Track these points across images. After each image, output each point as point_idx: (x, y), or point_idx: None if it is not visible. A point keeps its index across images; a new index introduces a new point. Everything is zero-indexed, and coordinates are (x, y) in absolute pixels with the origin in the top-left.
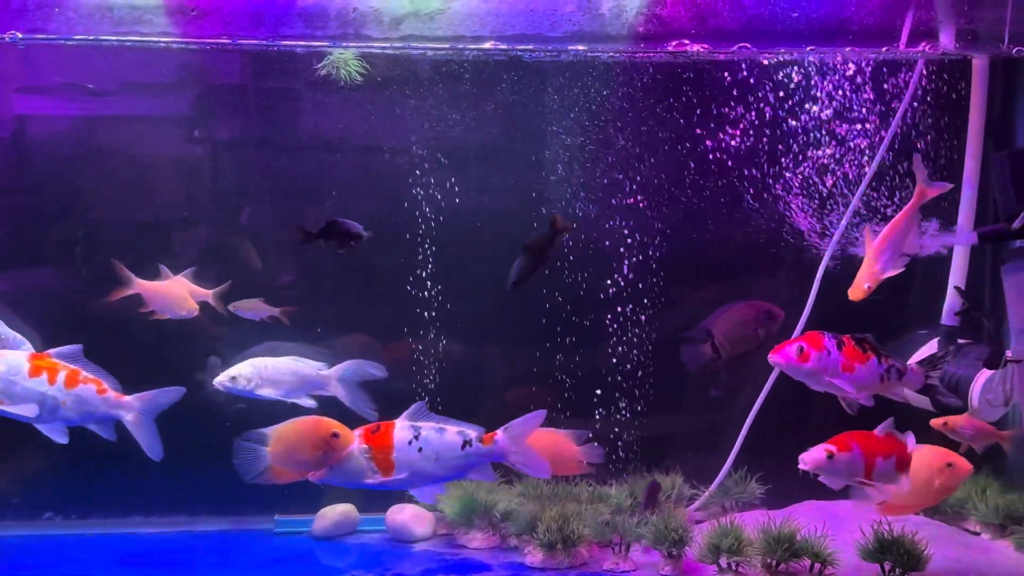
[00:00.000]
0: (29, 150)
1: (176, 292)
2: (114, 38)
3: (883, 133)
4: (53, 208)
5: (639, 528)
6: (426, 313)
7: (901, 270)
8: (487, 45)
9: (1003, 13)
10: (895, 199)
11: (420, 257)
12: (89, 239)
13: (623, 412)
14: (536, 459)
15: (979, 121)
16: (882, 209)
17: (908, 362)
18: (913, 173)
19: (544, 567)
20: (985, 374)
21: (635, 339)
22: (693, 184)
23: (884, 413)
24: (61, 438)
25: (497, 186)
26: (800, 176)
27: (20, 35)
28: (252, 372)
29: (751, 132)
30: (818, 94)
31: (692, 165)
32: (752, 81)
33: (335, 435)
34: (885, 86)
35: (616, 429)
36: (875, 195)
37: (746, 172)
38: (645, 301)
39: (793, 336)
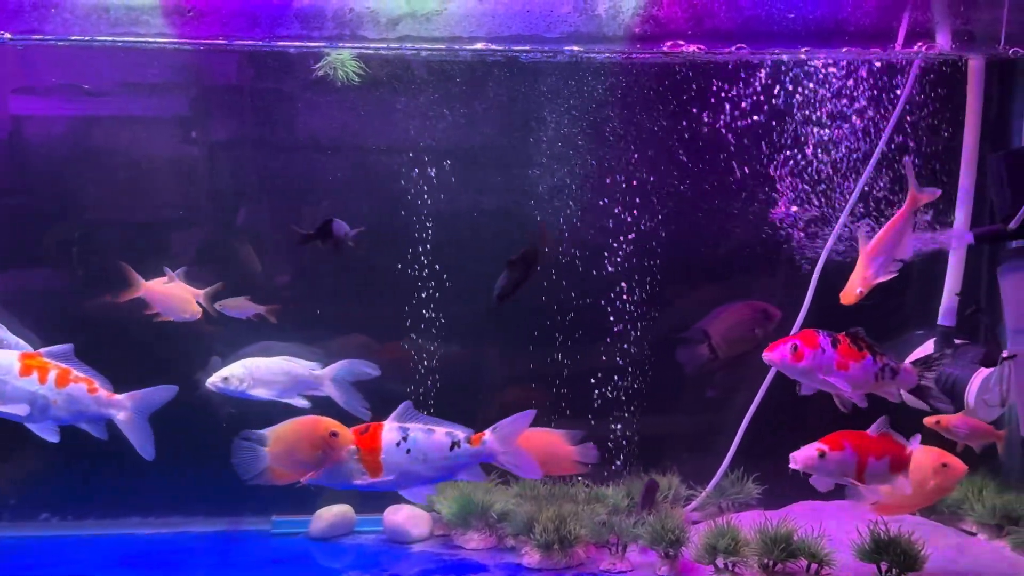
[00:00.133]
0: (25, 151)
1: (179, 295)
2: (111, 39)
3: (882, 132)
4: (49, 209)
5: (636, 528)
6: (423, 313)
7: (894, 275)
8: (484, 46)
9: (999, 13)
10: (894, 196)
11: (417, 257)
12: (86, 240)
13: (620, 413)
14: (526, 459)
15: (975, 122)
16: (880, 208)
17: (903, 362)
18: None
19: (541, 567)
20: (982, 374)
21: (632, 339)
22: (691, 184)
23: (884, 412)
24: (52, 437)
25: (494, 186)
26: (797, 175)
27: (9, 35)
28: (244, 372)
29: (748, 131)
30: (816, 94)
31: (689, 165)
32: (749, 80)
33: (334, 434)
34: (883, 86)
35: (613, 430)
36: (873, 194)
37: (744, 171)
38: (642, 301)
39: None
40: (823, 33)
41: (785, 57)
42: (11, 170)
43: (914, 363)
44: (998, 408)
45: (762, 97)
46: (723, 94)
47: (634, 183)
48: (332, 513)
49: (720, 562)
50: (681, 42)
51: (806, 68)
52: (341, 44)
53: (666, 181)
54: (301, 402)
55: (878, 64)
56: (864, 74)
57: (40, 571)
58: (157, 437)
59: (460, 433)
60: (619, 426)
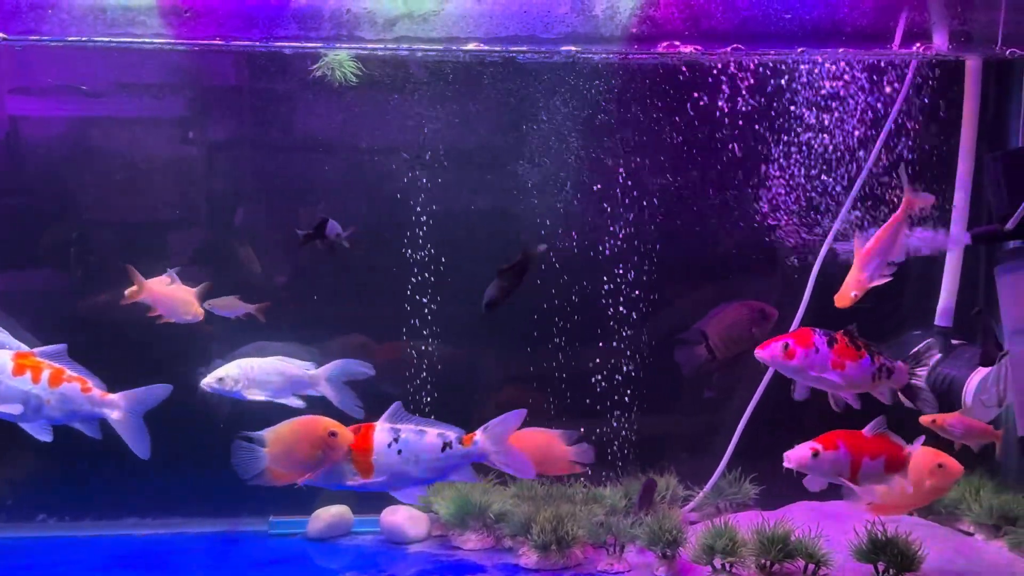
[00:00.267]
0: (23, 151)
1: (182, 296)
2: (108, 39)
3: (879, 133)
4: (46, 209)
5: (633, 529)
6: (421, 313)
7: (888, 279)
8: (481, 47)
9: (996, 15)
10: (891, 196)
11: (415, 257)
12: (83, 240)
13: (617, 413)
14: (518, 458)
15: (972, 122)
16: (878, 207)
17: (898, 362)
18: (911, 174)
19: (538, 568)
20: (979, 374)
21: (629, 340)
22: (688, 184)
23: (885, 413)
24: (45, 437)
25: (494, 186)
26: (795, 175)
27: (5, 36)
28: (239, 373)
29: (746, 131)
30: (814, 94)
31: (687, 165)
32: (746, 80)
33: (333, 434)
34: (880, 86)
35: (611, 430)
36: (870, 194)
37: (741, 172)
38: (639, 301)
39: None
40: (820, 34)
41: (782, 57)
42: (9, 170)
43: (904, 360)
44: (995, 408)
45: (760, 97)
46: (720, 94)
47: (632, 183)
48: (330, 514)
49: (717, 562)
50: (677, 42)
51: (805, 68)
52: (338, 45)
53: (664, 181)
54: (296, 402)
55: (880, 63)
56: (863, 74)
57: (37, 572)
58: (154, 438)
59: (451, 434)
60: (617, 426)
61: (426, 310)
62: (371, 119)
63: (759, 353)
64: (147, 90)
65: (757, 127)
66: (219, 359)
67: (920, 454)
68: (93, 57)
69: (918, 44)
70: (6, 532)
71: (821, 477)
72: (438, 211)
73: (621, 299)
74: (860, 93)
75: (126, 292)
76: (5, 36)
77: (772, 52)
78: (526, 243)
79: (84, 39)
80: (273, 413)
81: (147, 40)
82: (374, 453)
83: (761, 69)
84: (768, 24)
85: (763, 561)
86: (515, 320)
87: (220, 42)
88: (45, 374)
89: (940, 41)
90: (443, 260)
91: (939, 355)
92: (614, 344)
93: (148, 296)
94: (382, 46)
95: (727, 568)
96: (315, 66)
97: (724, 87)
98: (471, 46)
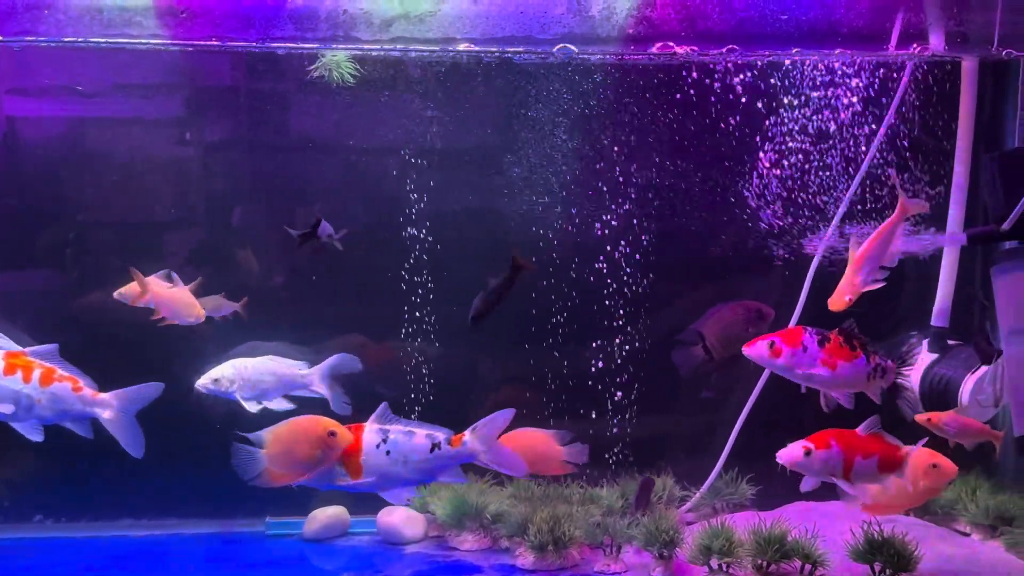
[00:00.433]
0: (19, 152)
1: (185, 299)
2: (104, 40)
3: (876, 133)
4: (43, 209)
5: (630, 529)
6: (419, 314)
7: (882, 283)
8: (477, 47)
9: (992, 15)
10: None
11: (412, 258)
12: (79, 240)
13: (614, 413)
14: (508, 457)
15: (969, 123)
16: (876, 206)
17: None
18: (913, 174)
19: (535, 569)
20: (976, 374)
21: (626, 340)
22: (686, 184)
23: (879, 413)
24: (36, 436)
25: (493, 186)
26: (792, 175)
27: (1, 37)
28: (233, 373)
29: (744, 131)
30: (814, 94)
31: (684, 165)
32: (742, 81)
33: (332, 434)
34: (879, 87)
35: (607, 431)
36: (868, 193)
37: (736, 171)
38: (636, 302)
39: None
40: (816, 34)
41: (777, 60)
42: (5, 171)
43: (893, 360)
44: (992, 408)
45: (758, 97)
46: (717, 93)
47: (630, 183)
48: (326, 515)
49: (714, 563)
50: (671, 43)
51: (803, 68)
52: (335, 45)
53: (662, 181)
54: (284, 403)
55: (876, 64)
56: (862, 74)
57: (34, 573)
58: (149, 438)
59: (440, 435)
60: (613, 427)
61: (424, 311)
62: (370, 119)
63: (746, 350)
64: (143, 91)
65: (757, 127)
66: (212, 360)
67: (914, 454)
68: (89, 58)
69: (915, 45)
70: (3, 533)
71: (814, 476)
72: (437, 211)
73: (619, 299)
74: (859, 93)
75: (126, 292)
76: (1, 37)
77: (767, 53)
78: (516, 252)
79: (80, 40)
80: (269, 413)
81: (143, 41)
82: (363, 454)
83: (759, 69)
84: (764, 25)
85: (760, 561)
86: (513, 320)
87: (216, 43)
88: (36, 373)
89: (936, 42)
90: (441, 260)
91: (922, 351)
92: (611, 345)
93: (152, 299)
94: (378, 47)
95: (724, 568)
96: (313, 67)
97: (716, 85)
98: (470, 47)
